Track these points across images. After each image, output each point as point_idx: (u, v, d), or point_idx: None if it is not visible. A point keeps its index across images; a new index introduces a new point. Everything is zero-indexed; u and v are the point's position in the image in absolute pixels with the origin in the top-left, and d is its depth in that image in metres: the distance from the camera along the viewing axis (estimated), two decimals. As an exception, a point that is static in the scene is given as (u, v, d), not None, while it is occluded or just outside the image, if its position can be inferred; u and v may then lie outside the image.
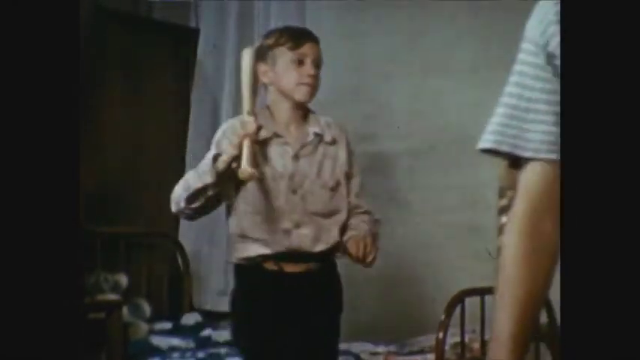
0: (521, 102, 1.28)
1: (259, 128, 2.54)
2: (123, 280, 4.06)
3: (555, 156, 1.25)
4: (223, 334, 3.97)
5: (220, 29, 4.59)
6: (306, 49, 2.69)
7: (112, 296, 3.83)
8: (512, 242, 1.32)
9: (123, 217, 4.32)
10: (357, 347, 3.73)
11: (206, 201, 2.60)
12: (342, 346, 3.68)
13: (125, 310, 3.87)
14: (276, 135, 2.68)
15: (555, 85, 1.23)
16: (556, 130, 1.24)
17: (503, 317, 1.30)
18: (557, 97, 1.23)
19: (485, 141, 1.33)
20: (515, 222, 1.32)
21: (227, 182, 2.60)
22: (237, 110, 4.53)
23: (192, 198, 2.59)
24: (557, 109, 1.22)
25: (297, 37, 2.71)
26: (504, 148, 1.31)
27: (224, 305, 4.47)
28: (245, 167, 2.48)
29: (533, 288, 1.28)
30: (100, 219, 4.07)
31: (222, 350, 3.78)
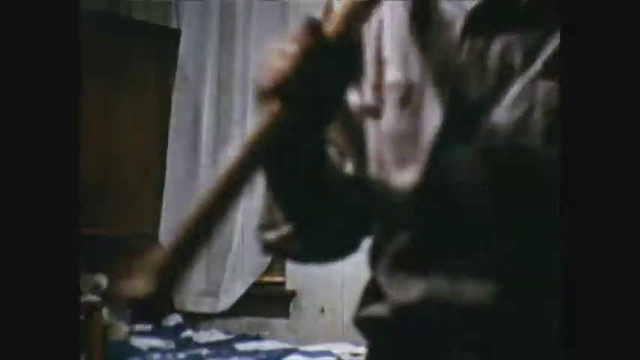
0: None
1: None
2: (103, 280, 4.05)
3: None
4: (204, 335, 3.96)
5: (201, 29, 4.58)
6: None
7: (92, 297, 3.81)
8: None
9: (103, 218, 4.30)
10: (338, 348, 3.73)
11: None
12: (323, 346, 3.68)
13: (105, 311, 3.85)
14: None
15: None
16: None
17: None
18: None
19: None
20: None
21: None
22: (218, 112, 4.53)
23: None
24: None
25: None
26: None
27: (205, 306, 4.48)
28: None
29: None
30: (79, 219, 4.05)
31: (203, 351, 3.77)
